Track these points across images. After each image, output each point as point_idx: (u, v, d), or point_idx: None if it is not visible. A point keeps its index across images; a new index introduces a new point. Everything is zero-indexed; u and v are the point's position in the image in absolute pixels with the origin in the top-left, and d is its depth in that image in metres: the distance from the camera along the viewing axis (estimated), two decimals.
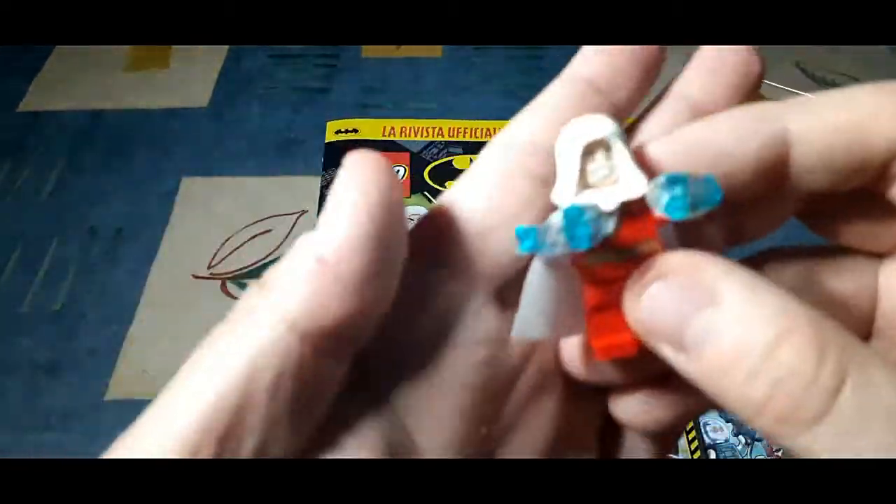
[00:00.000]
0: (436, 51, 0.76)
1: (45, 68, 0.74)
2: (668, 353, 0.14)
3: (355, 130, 0.66)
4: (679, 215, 0.15)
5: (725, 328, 0.13)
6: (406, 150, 0.64)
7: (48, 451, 0.48)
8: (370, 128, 0.66)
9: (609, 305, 0.16)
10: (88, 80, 0.73)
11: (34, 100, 0.71)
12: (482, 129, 0.65)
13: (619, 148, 0.16)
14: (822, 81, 0.71)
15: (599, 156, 0.16)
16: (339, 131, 0.66)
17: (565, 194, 0.16)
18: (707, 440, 0.46)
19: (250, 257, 0.57)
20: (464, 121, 0.67)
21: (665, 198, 0.15)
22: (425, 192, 0.61)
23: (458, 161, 0.63)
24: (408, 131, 0.66)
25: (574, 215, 0.15)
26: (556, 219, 0.15)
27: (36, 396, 0.49)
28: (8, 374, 0.51)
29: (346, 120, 0.67)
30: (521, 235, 0.15)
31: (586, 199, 0.15)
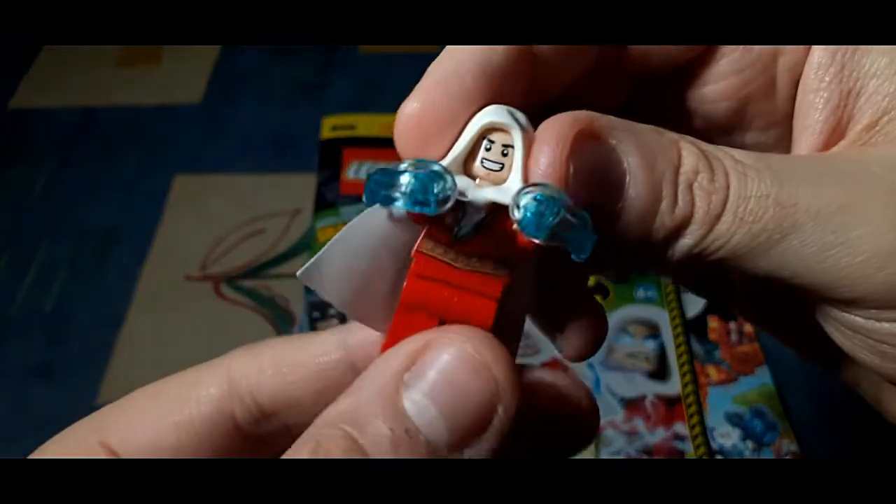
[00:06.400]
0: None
1: (35, 65, 0.73)
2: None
3: (353, 127, 0.65)
4: (535, 234, 0.14)
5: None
6: None
7: None
8: (368, 124, 0.65)
9: (420, 309, 0.15)
10: (79, 77, 0.72)
11: (24, 97, 0.70)
12: None
13: (518, 146, 0.15)
14: None
15: (497, 148, 0.15)
16: (335, 127, 0.65)
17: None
18: (714, 446, 0.45)
19: (243, 258, 0.56)
20: None
21: (523, 212, 0.14)
22: None
23: None
24: None
25: (424, 178, 0.14)
26: (409, 175, 0.15)
27: (26, 400, 0.48)
28: None
29: (343, 116, 0.66)
30: (369, 183, 0.15)
31: (461, 182, 0.15)
